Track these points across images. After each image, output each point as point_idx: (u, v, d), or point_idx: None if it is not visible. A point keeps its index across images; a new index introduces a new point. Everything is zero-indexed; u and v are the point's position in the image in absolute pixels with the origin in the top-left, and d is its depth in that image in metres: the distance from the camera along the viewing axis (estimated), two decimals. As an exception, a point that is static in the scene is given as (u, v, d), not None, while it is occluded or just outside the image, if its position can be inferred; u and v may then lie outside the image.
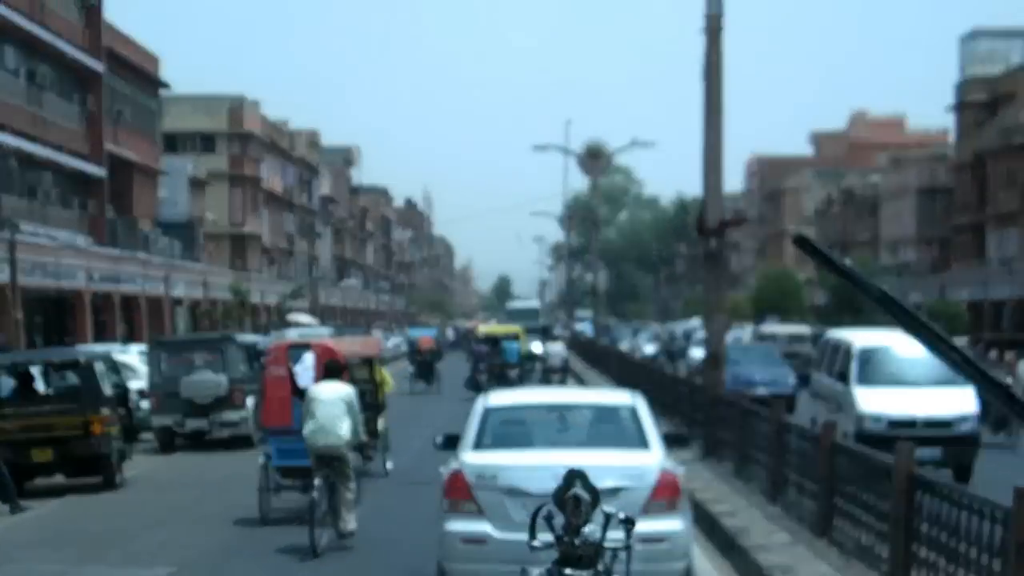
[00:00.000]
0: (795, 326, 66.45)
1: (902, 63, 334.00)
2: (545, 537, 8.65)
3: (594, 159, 58.19)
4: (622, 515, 8.74)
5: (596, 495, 8.56)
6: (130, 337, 57.04)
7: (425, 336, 57.44)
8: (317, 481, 17.66)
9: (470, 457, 13.00)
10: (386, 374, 29.26)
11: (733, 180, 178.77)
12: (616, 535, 8.64)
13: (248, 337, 38.05)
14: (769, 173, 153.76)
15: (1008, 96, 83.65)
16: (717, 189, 23.36)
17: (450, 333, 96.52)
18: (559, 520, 8.58)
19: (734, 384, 33.17)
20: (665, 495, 12.61)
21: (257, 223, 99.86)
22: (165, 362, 29.58)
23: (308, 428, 17.90)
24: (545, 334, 65.15)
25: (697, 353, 51.72)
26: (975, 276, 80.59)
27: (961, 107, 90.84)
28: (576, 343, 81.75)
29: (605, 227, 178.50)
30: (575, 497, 8.48)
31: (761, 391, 35.76)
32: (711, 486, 21.36)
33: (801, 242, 2.42)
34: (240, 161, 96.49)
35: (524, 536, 8.91)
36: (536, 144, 61.84)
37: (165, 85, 77.29)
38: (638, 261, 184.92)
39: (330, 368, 18.83)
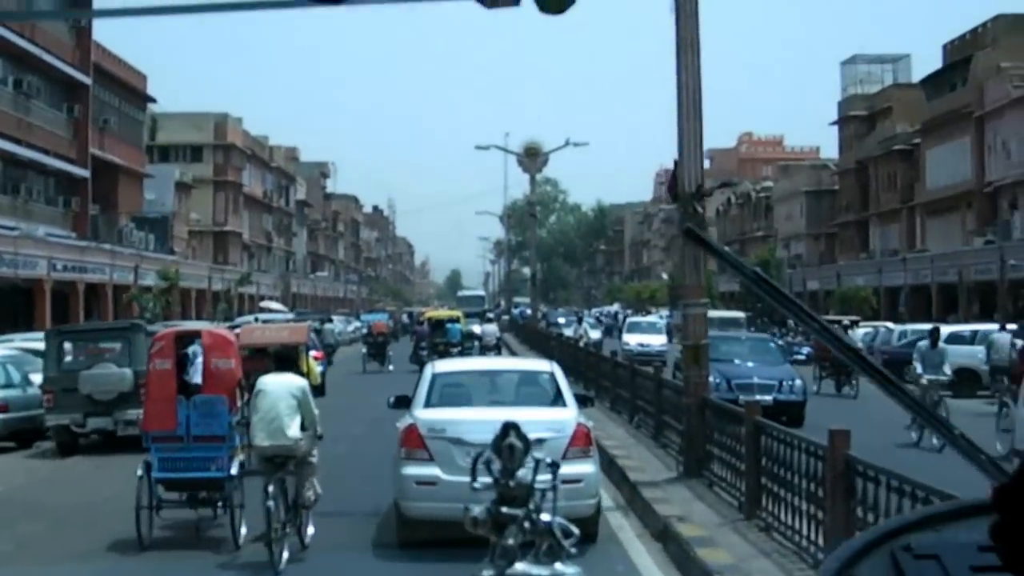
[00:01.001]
0: (729, 312, 59.15)
1: (779, 91, 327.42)
2: (484, 479, 8.38)
3: (532, 157, 51.17)
4: (549, 460, 8.73)
5: (528, 443, 8.36)
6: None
7: (378, 320, 52.38)
8: (271, 488, 12.05)
9: (422, 413, 13.06)
10: (313, 364, 23.14)
11: (645, 188, 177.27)
12: (544, 477, 8.38)
13: (188, 324, 30.41)
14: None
15: (885, 111, 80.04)
16: (696, 149, 16.01)
17: (404, 318, 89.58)
18: (496, 465, 8.29)
19: (724, 387, 24.24)
20: (580, 444, 12.81)
21: (238, 222, 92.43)
22: (68, 353, 21.45)
23: (252, 425, 12.74)
24: (482, 317, 60.77)
25: (632, 339, 45.79)
26: (869, 266, 74.30)
27: (843, 121, 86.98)
28: (515, 325, 76.04)
29: (537, 228, 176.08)
30: (510, 445, 8.29)
31: (762, 397, 22.77)
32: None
33: (688, 233, 2.24)
34: (223, 169, 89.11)
35: (467, 479, 8.91)
36: (478, 144, 54.63)
37: (152, 99, 70.15)
38: (564, 256, 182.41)
39: (281, 357, 13.91)
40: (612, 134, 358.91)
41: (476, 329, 51.33)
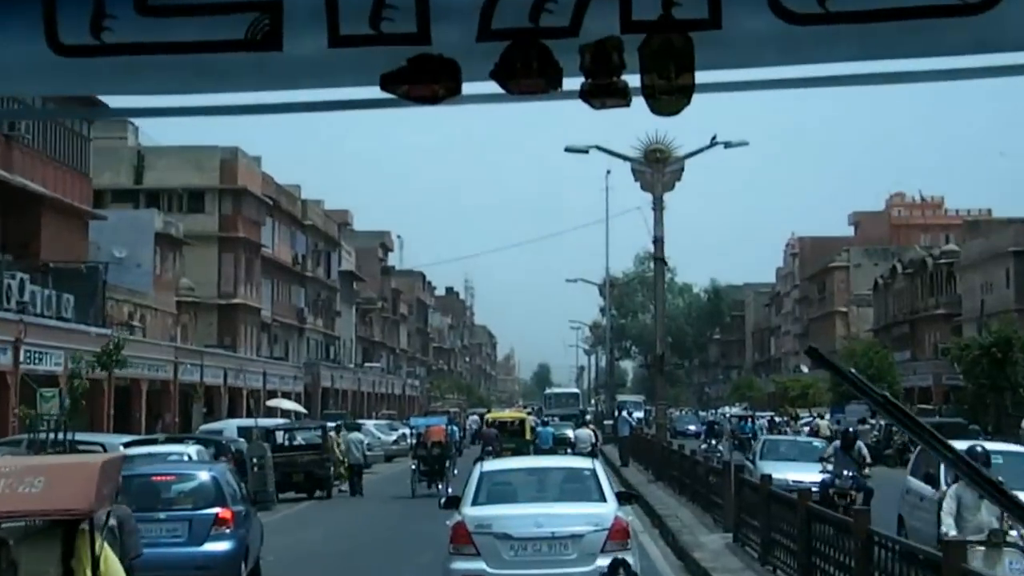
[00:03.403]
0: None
1: (936, 145, 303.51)
2: None
3: (658, 163, 33.15)
4: None
5: None
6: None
7: (434, 426, 40.91)
8: None
9: (470, 511, 14.85)
10: (109, 552, 8.06)
11: (773, 261, 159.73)
12: None
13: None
14: (810, 254, 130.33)
15: None
16: None
17: (472, 422, 71.71)
18: None
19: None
20: (618, 537, 14.45)
21: (253, 294, 74.73)
22: None
23: None
24: (578, 420, 58.80)
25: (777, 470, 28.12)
26: None
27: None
28: (620, 436, 58.44)
29: (640, 314, 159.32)
30: None
31: None
32: None
33: (811, 352, 2.28)
34: (232, 221, 71.66)
35: (513, 572, 12.33)
36: (569, 147, 36.89)
37: (99, 103, 52.43)
38: (673, 347, 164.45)
39: None
40: (728, 200, 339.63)
41: (569, 434, 49.61)
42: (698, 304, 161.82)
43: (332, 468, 38.56)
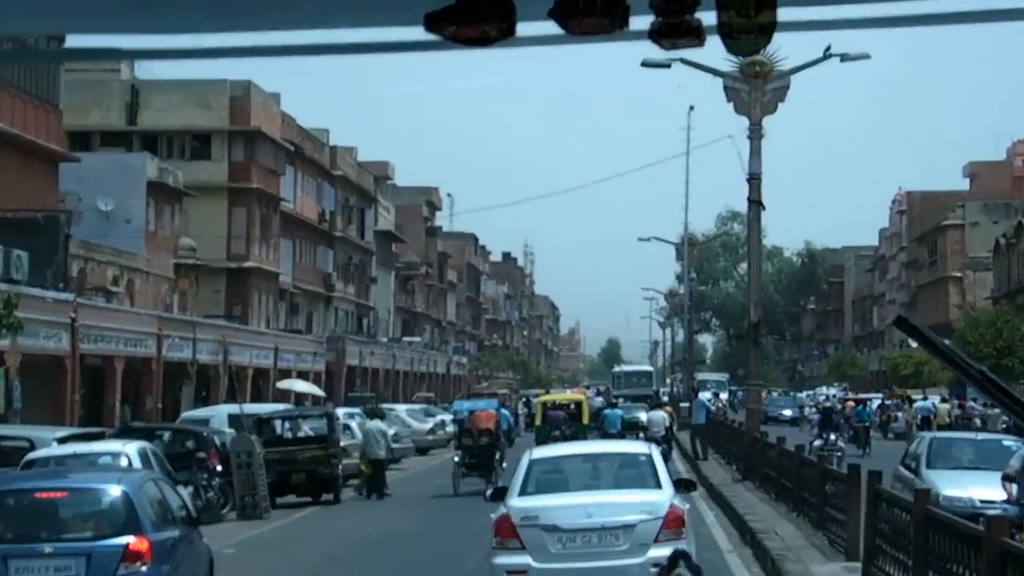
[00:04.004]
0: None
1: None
2: None
3: (757, 78, 28.40)
4: None
5: (699, 573, 9.77)
6: None
7: (482, 410, 38.92)
8: None
9: (516, 502, 15.26)
10: None
11: (876, 220, 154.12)
12: None
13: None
14: (920, 211, 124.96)
15: None
16: None
17: (522, 405, 67.43)
18: None
19: None
20: (672, 526, 14.80)
21: (270, 256, 70.48)
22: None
23: None
24: (651, 401, 59.20)
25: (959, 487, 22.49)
26: None
27: None
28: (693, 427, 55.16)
29: (722, 281, 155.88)
30: None
31: None
32: None
33: (900, 322, 2.54)
34: (244, 169, 67.37)
35: (560, 566, 12.66)
36: (647, 61, 31.34)
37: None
38: (761, 319, 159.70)
39: None
40: (825, 150, 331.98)
41: (641, 417, 48.36)
42: (790, 270, 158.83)
43: (340, 465, 34.21)
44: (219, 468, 30.43)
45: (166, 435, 33.71)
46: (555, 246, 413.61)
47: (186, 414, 38.50)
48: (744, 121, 33.60)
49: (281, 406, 41.82)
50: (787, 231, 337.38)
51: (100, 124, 65.36)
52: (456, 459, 36.66)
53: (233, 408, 37.98)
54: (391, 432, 37.20)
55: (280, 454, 33.23)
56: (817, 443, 33.04)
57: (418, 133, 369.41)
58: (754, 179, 34.03)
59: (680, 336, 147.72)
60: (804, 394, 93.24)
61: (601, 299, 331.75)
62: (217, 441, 31.61)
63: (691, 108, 75.58)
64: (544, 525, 14.75)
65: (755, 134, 33.55)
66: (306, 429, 35.59)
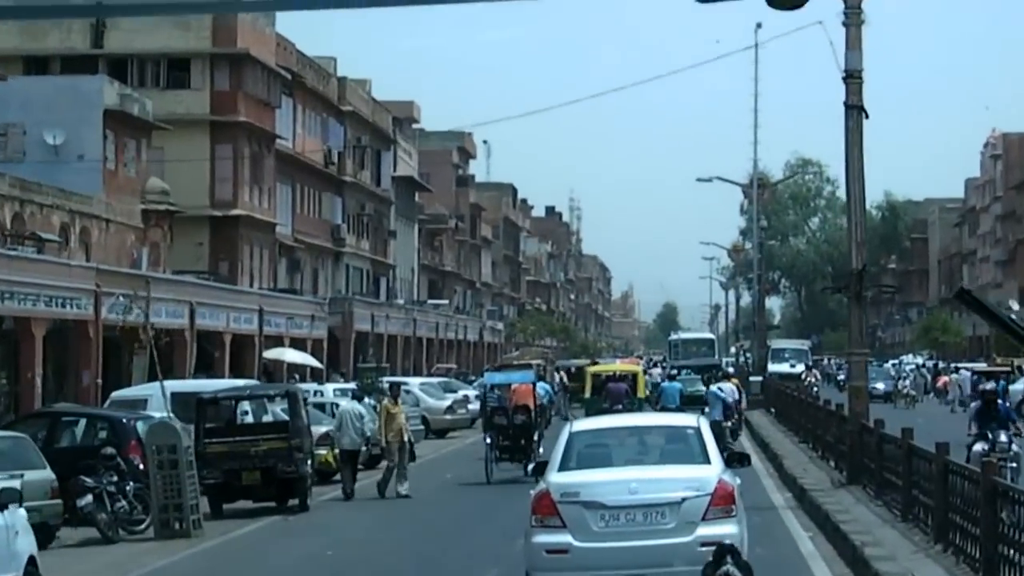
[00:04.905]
0: None
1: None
2: None
3: None
4: None
5: (749, 571, 9.87)
6: None
7: (520, 384, 36.62)
8: None
9: (556, 477, 15.32)
10: None
11: (966, 168, 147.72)
12: None
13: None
14: (1018, 155, 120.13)
15: None
16: None
17: (559, 378, 61.25)
18: None
19: None
20: (721, 503, 14.90)
21: (263, 203, 64.80)
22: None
23: None
24: (714, 373, 56.08)
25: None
26: None
27: None
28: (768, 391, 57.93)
29: (792, 237, 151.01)
30: (726, 574, 9.60)
31: None
32: None
33: (961, 295, 2.87)
34: (230, 100, 61.87)
35: (603, 545, 12.94)
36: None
37: None
38: (834, 279, 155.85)
39: None
40: (908, 90, 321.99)
41: (704, 390, 47.37)
42: (868, 224, 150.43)
43: (308, 460, 27.96)
44: (141, 467, 24.49)
45: (82, 422, 27.78)
46: (605, 203, 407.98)
47: (117, 394, 32.24)
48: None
49: (234, 383, 35.22)
50: (866, 181, 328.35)
51: (60, 48, 60.78)
52: (488, 441, 34.62)
53: (181, 385, 31.85)
54: (366, 418, 30.82)
55: (227, 447, 27.14)
56: (979, 447, 25.31)
57: (450, 80, 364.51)
58: (853, 78, 27.48)
59: (745, 299, 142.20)
60: (889, 363, 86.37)
61: (657, 260, 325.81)
62: (143, 431, 25.46)
63: (758, 25, 70.27)
64: (585, 502, 14.85)
65: (852, 19, 27.18)
66: (265, 414, 29.40)
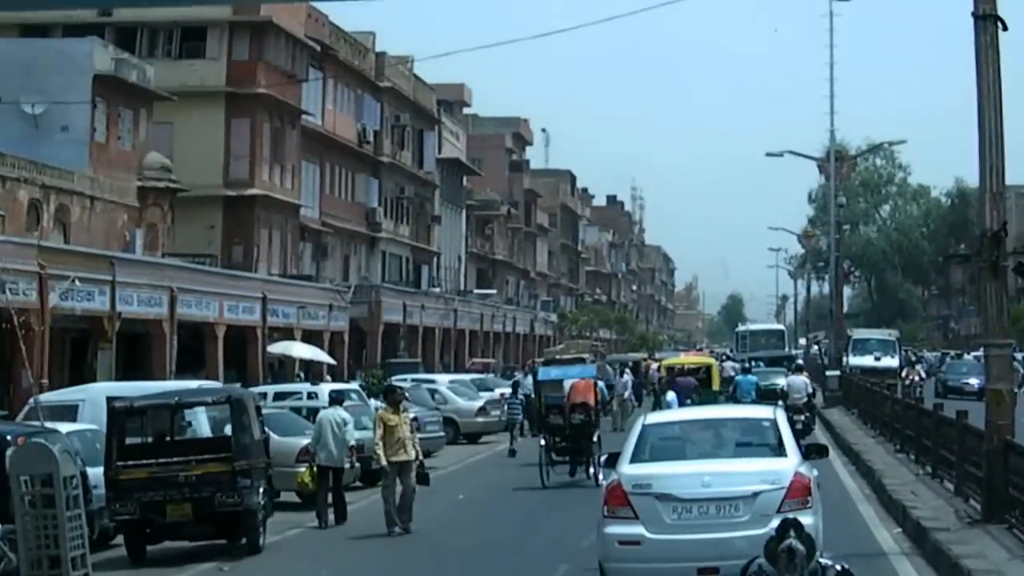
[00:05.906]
0: None
1: None
2: None
3: None
4: (839, 566, 9.35)
5: (812, 545, 9.08)
6: None
7: (579, 380, 33.52)
8: None
9: (628, 469, 15.23)
10: None
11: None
12: None
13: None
14: None
15: None
16: None
17: (613, 372, 55.02)
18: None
19: None
20: (797, 495, 14.64)
21: (285, 182, 59.30)
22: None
23: None
24: (788, 365, 53.95)
25: None
26: None
27: None
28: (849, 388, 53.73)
29: (863, 225, 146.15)
30: (789, 548, 8.87)
31: None
32: None
33: (1020, 269, 3.08)
34: (249, 71, 56.62)
35: (676, 537, 12.66)
36: None
37: None
38: (904, 269, 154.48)
39: None
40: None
41: (781, 383, 47.57)
42: (938, 212, 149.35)
43: (260, 488, 21.46)
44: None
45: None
46: (670, 195, 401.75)
47: (41, 397, 25.75)
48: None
49: (171, 384, 28.56)
50: (935, 168, 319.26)
51: (65, 15, 54.70)
52: (542, 443, 32.93)
53: (119, 388, 25.52)
54: (348, 425, 24.18)
55: (147, 472, 20.76)
56: None
57: (508, 62, 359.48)
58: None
59: (815, 289, 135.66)
60: (971, 356, 79.30)
61: (722, 247, 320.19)
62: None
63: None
64: (657, 494, 14.80)
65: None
66: (200, 426, 23.01)
